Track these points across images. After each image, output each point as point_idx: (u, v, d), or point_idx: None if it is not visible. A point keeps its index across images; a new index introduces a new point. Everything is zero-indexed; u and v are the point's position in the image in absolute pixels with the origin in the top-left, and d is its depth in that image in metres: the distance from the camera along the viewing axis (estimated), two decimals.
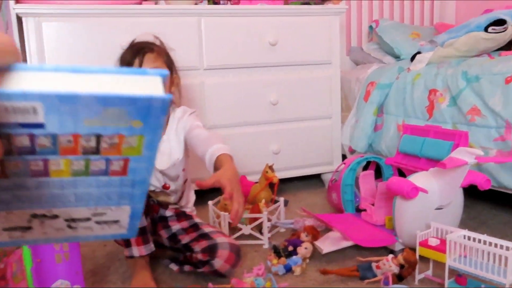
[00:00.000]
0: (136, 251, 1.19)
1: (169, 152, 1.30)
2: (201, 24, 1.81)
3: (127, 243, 1.19)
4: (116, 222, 0.52)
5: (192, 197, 1.46)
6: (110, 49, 1.60)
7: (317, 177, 2.27)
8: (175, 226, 1.34)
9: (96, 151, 0.40)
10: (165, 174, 1.30)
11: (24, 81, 0.33)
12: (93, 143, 0.39)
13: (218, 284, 1.17)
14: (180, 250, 1.33)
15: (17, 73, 0.33)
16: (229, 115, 1.91)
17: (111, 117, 0.37)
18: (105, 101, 0.35)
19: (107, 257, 1.44)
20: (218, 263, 1.18)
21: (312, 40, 2.00)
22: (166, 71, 0.39)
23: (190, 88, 1.82)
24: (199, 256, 1.21)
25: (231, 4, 1.96)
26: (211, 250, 1.20)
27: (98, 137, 0.39)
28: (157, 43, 1.36)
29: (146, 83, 0.38)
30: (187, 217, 1.37)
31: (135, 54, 1.25)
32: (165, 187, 1.32)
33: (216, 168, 1.10)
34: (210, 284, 1.15)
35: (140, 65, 1.22)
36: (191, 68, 1.82)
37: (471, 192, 1.37)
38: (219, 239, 1.23)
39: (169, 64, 1.33)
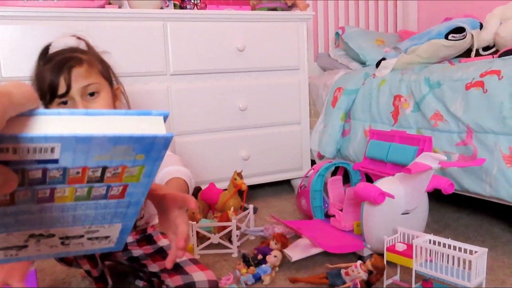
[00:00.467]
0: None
1: None
2: (167, 29, 1.78)
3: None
4: (106, 237, 0.56)
5: (154, 211, 1.36)
6: None
7: (286, 183, 2.27)
8: (136, 251, 1.18)
9: (100, 180, 0.45)
10: None
11: (44, 125, 0.37)
12: (98, 174, 0.44)
13: None
14: (142, 272, 1.19)
15: (37, 117, 0.37)
16: (197, 121, 1.88)
17: (119, 152, 0.42)
18: (115, 140, 0.40)
19: (67, 273, 1.38)
20: None
21: (280, 46, 2.01)
22: (167, 112, 0.43)
23: (156, 94, 1.78)
24: None
25: (198, 9, 1.94)
26: None
27: (104, 169, 0.44)
28: (82, 46, 1.07)
29: (150, 122, 0.42)
30: (150, 241, 1.20)
31: (57, 71, 0.95)
32: None
33: None
34: None
35: (68, 87, 0.94)
36: (157, 74, 1.78)
37: (434, 196, 1.40)
38: (196, 276, 1.07)
39: (105, 73, 1.06)
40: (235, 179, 1.58)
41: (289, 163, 2.11)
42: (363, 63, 2.28)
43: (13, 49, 1.56)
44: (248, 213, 1.59)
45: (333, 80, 2.16)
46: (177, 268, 1.09)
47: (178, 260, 1.11)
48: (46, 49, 1.04)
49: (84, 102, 0.97)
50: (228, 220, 1.46)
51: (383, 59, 1.95)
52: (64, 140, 0.37)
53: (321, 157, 2.10)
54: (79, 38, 1.07)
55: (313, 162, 2.16)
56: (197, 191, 1.67)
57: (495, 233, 1.54)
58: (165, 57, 1.79)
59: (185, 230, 0.73)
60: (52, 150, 0.38)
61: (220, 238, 1.44)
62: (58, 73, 0.94)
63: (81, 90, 0.97)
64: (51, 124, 0.37)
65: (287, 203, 2.02)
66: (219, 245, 1.47)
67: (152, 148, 0.43)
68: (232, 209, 1.51)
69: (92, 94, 0.99)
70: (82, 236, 0.54)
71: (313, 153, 2.17)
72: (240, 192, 1.60)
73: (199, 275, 1.08)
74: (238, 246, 1.46)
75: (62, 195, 0.45)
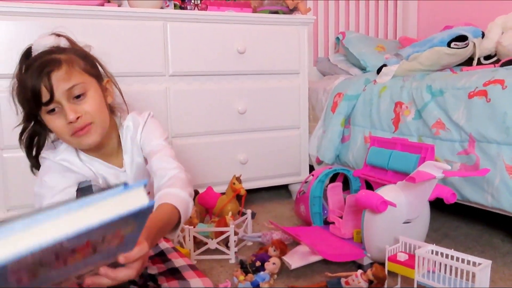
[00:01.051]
0: None
1: (140, 168, 1.10)
2: (167, 29, 1.75)
3: None
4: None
5: None
6: None
7: (284, 188, 2.25)
8: None
9: (102, 242, 0.55)
10: None
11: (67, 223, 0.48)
12: (100, 239, 0.54)
13: None
14: (140, 275, 1.14)
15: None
16: (195, 123, 1.85)
17: (115, 226, 0.53)
18: (110, 223, 0.51)
19: None
20: None
21: (281, 49, 1.99)
22: (145, 181, 0.54)
23: (155, 95, 1.75)
24: None
25: (199, 9, 1.91)
26: None
27: (104, 237, 0.55)
28: (63, 44, 1.00)
29: (134, 195, 0.53)
30: None
31: (37, 78, 0.89)
32: None
33: None
34: None
35: (51, 93, 0.89)
36: (156, 74, 1.75)
37: (433, 204, 1.38)
38: (193, 282, 1.04)
39: (90, 69, 0.99)
40: (234, 183, 1.55)
41: (287, 168, 2.09)
42: (363, 69, 2.27)
43: (8, 45, 1.53)
44: (246, 218, 1.56)
45: (333, 85, 2.14)
46: (175, 273, 1.07)
47: (176, 265, 1.09)
48: (27, 52, 0.99)
49: (72, 105, 0.92)
50: (226, 225, 1.43)
51: (384, 65, 1.94)
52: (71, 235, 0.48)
53: (319, 162, 2.08)
54: (58, 35, 1.00)
55: (311, 168, 2.14)
56: (194, 194, 1.63)
57: (494, 243, 1.53)
58: (164, 57, 1.76)
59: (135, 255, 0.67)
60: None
61: (218, 243, 1.42)
62: (38, 80, 0.88)
63: (66, 94, 0.91)
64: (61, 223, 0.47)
65: (285, 209, 1.99)
66: (216, 251, 1.44)
67: (140, 215, 0.55)
68: (230, 214, 1.48)
69: (78, 96, 0.94)
70: (92, 270, 0.65)
71: (311, 158, 2.15)
72: (238, 197, 1.57)
73: (196, 282, 1.06)
74: (235, 252, 1.43)
75: (73, 259, 0.54)
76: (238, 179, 1.56)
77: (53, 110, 0.92)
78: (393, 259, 1.16)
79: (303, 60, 2.06)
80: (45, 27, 1.53)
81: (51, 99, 0.90)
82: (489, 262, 1.04)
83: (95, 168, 1.04)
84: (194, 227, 1.42)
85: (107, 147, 1.07)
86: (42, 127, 1.00)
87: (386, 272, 1.16)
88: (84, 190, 0.98)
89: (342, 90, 2.03)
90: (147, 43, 1.71)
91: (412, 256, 1.14)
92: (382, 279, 1.14)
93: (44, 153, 1.03)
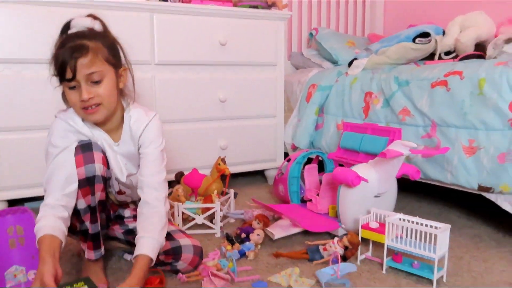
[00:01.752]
0: (86, 254, 1.16)
1: (124, 165, 1.20)
2: (153, 20, 1.83)
3: (84, 241, 1.16)
4: None
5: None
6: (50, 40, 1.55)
7: (260, 174, 2.37)
8: (132, 224, 1.29)
9: None
10: (120, 183, 1.23)
11: None
12: None
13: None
14: (134, 244, 1.27)
15: None
16: (179, 110, 1.93)
17: None
18: None
19: None
20: (182, 265, 1.19)
21: (259, 42, 2.10)
22: None
23: (141, 83, 1.82)
24: (162, 258, 1.18)
25: (183, 2, 1.99)
26: (175, 253, 1.18)
27: None
28: (97, 27, 1.12)
29: None
30: None
31: (66, 59, 1.02)
32: (120, 192, 1.27)
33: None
34: (180, 274, 1.17)
35: (74, 74, 1.03)
36: (142, 63, 1.82)
37: (398, 186, 1.54)
38: (182, 241, 1.20)
39: (112, 59, 1.11)
40: (219, 164, 1.65)
41: (264, 154, 2.21)
42: (334, 63, 2.42)
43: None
44: (229, 197, 1.67)
45: (307, 77, 2.28)
46: (166, 236, 1.17)
47: (168, 230, 1.20)
48: (66, 27, 1.10)
49: (88, 87, 1.06)
50: (212, 202, 1.53)
51: (355, 59, 2.09)
52: None
53: (294, 148, 2.22)
54: (95, 18, 1.12)
55: (286, 155, 2.27)
56: (180, 176, 1.72)
57: (452, 219, 1.71)
58: (151, 47, 1.83)
59: None
60: None
61: (204, 219, 1.52)
62: (66, 61, 1.02)
63: (85, 77, 1.05)
64: None
65: (262, 192, 2.11)
66: (202, 226, 1.54)
67: None
68: (215, 192, 1.58)
69: (95, 81, 1.07)
70: None
71: (286, 145, 2.28)
72: (222, 177, 1.67)
73: (185, 241, 1.21)
74: (220, 227, 1.54)
75: None
76: (223, 160, 1.66)
77: (73, 86, 1.06)
78: (365, 227, 1.30)
79: (280, 53, 2.19)
80: (33, 15, 1.59)
81: (73, 78, 1.04)
82: (449, 226, 1.19)
83: (94, 133, 1.15)
84: (182, 203, 1.51)
85: (108, 123, 1.17)
86: None
87: (360, 238, 1.30)
88: (84, 146, 1.10)
89: (316, 81, 2.17)
90: (135, 32, 1.78)
91: (382, 225, 1.28)
92: (356, 244, 1.28)
93: (58, 113, 1.16)
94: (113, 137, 1.18)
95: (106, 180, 1.15)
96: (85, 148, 1.10)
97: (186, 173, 1.76)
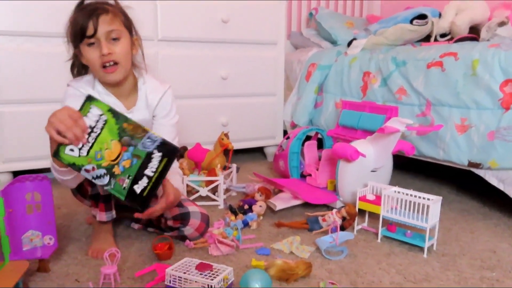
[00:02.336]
0: (98, 216, 1.22)
1: (144, 120, 1.26)
2: None
3: (96, 205, 1.22)
4: None
5: None
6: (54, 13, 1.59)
7: (259, 151, 2.43)
8: None
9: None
10: None
11: None
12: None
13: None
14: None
15: None
16: (182, 87, 1.98)
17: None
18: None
19: (64, 218, 1.46)
20: (189, 230, 1.26)
21: (261, 21, 2.14)
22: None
23: (145, 58, 1.85)
24: (170, 223, 1.26)
25: None
26: (183, 218, 1.25)
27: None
28: (111, 2, 1.22)
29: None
30: None
31: (87, 17, 1.11)
32: None
33: None
34: (187, 241, 1.24)
35: (95, 30, 1.11)
36: (146, 38, 1.83)
37: (393, 164, 1.62)
38: (191, 208, 1.28)
39: (128, 24, 1.22)
40: (222, 139, 1.71)
41: (263, 132, 2.27)
42: (333, 43, 2.46)
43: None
44: (232, 171, 1.74)
45: (307, 57, 2.32)
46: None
47: None
48: (81, 3, 1.18)
49: (107, 44, 1.14)
50: (216, 175, 1.60)
51: (354, 39, 2.14)
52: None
53: (294, 126, 2.28)
54: None
55: (285, 132, 2.34)
56: (184, 150, 1.78)
57: (442, 194, 1.79)
58: (154, 22, 1.86)
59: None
60: None
61: (207, 192, 1.58)
62: (88, 18, 1.11)
63: (106, 34, 1.13)
64: None
65: (261, 167, 2.18)
66: (206, 198, 1.61)
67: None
68: (218, 166, 1.64)
69: (114, 39, 1.15)
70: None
71: (285, 123, 2.35)
72: (225, 152, 1.73)
73: (193, 208, 1.29)
74: (224, 199, 1.61)
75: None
76: (226, 135, 1.72)
77: (92, 44, 1.13)
78: (363, 198, 1.37)
79: (281, 32, 2.23)
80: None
81: (94, 33, 1.11)
82: (440, 197, 1.27)
83: (106, 101, 1.20)
84: (187, 176, 1.57)
85: (122, 87, 1.24)
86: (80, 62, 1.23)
87: (357, 210, 1.37)
88: None
89: (315, 61, 2.22)
90: (138, 9, 1.79)
91: (378, 197, 1.36)
92: (353, 215, 1.36)
93: (69, 81, 1.23)
94: (124, 103, 1.25)
95: None
96: None
97: (189, 148, 1.82)
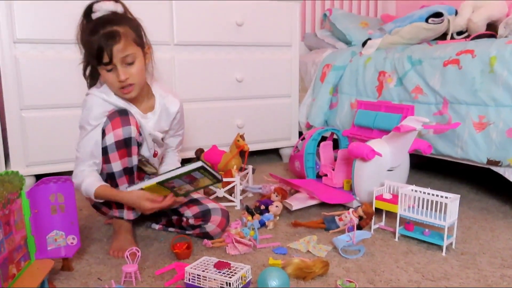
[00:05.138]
0: (125, 214, 1.26)
1: (159, 126, 1.33)
2: (172, 2, 1.88)
3: (118, 205, 1.26)
4: None
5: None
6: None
7: (275, 152, 2.44)
8: None
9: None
10: (157, 142, 1.35)
11: None
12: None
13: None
14: (163, 213, 1.36)
15: None
16: (198, 90, 2.01)
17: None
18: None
19: (85, 220, 1.50)
20: (211, 227, 1.28)
21: (275, 23, 2.16)
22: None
23: (161, 63, 1.88)
24: (191, 221, 1.29)
25: None
26: (204, 215, 1.28)
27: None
28: (119, 10, 1.21)
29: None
30: None
31: (103, 46, 1.13)
32: (154, 154, 1.37)
33: None
34: (205, 240, 1.26)
35: (110, 59, 1.14)
36: (162, 43, 1.89)
37: (410, 163, 1.60)
38: (211, 205, 1.30)
39: (138, 40, 1.22)
40: (238, 140, 1.72)
41: (279, 133, 2.28)
42: (348, 43, 2.46)
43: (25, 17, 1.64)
44: (247, 173, 1.75)
45: (321, 58, 2.33)
46: (195, 202, 1.31)
47: (195, 197, 1.34)
48: (89, 10, 1.19)
49: (123, 69, 1.19)
50: (232, 176, 1.61)
51: (369, 39, 2.14)
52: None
53: (309, 127, 2.28)
54: (116, 1, 1.21)
55: (300, 134, 2.34)
56: (200, 152, 1.80)
57: (461, 193, 1.77)
58: (170, 27, 1.90)
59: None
60: None
61: (224, 192, 1.60)
62: (102, 47, 1.13)
63: (120, 60, 1.17)
64: None
65: (277, 169, 2.19)
66: (223, 199, 1.63)
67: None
68: (235, 167, 1.66)
69: (129, 63, 1.19)
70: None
71: (300, 125, 2.35)
72: (241, 154, 1.75)
73: (213, 205, 1.32)
74: (240, 200, 1.62)
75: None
76: (242, 136, 1.74)
77: (110, 69, 1.18)
78: (379, 198, 1.37)
79: (295, 34, 2.24)
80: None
81: (110, 62, 1.16)
82: (458, 196, 1.26)
83: (126, 106, 1.27)
84: None
85: (137, 95, 1.27)
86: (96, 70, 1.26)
87: (374, 209, 1.37)
88: (121, 111, 1.22)
89: (330, 61, 2.22)
90: (155, 13, 1.85)
91: (395, 196, 1.36)
92: (370, 214, 1.36)
93: (90, 90, 1.26)
94: (140, 108, 1.30)
95: (139, 145, 1.25)
96: (122, 112, 1.21)
97: (205, 150, 1.84)
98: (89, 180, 1.18)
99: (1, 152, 1.78)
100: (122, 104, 1.25)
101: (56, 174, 1.91)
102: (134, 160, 1.23)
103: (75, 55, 1.69)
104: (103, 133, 1.19)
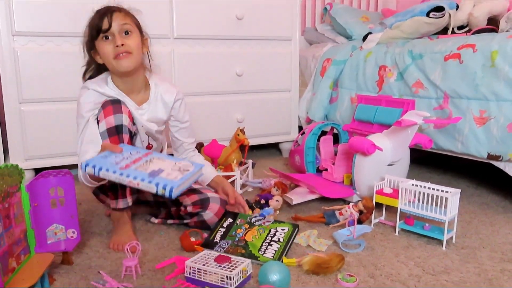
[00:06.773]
0: (114, 204, 1.25)
1: (155, 117, 1.34)
2: None
3: (114, 197, 1.26)
4: None
5: (165, 145, 1.55)
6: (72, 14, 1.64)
7: (274, 147, 2.44)
8: None
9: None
10: (151, 135, 1.36)
11: None
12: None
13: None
14: (163, 205, 1.39)
15: None
16: (197, 84, 2.00)
17: None
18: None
19: (85, 213, 1.50)
20: (208, 215, 1.29)
21: (276, 17, 2.14)
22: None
23: (160, 56, 1.88)
24: (189, 209, 1.30)
25: None
26: (203, 203, 1.30)
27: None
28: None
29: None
30: None
31: (103, 15, 1.22)
32: (148, 147, 1.38)
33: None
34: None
35: (110, 24, 1.20)
36: (162, 37, 1.88)
37: (410, 158, 1.60)
38: (210, 194, 1.33)
39: (138, 24, 1.31)
40: (238, 134, 1.72)
41: (279, 128, 2.28)
42: (348, 38, 2.45)
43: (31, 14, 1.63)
44: (247, 167, 1.75)
45: (321, 52, 2.32)
46: (195, 191, 1.33)
47: (196, 187, 1.36)
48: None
49: (121, 37, 1.23)
50: (232, 171, 1.61)
51: (370, 33, 2.13)
52: None
53: (309, 122, 2.28)
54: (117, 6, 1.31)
55: (300, 128, 2.34)
56: (200, 146, 1.80)
57: (461, 188, 1.76)
58: (170, 20, 1.88)
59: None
60: None
61: None
62: (103, 16, 1.21)
63: (119, 28, 1.22)
64: None
65: (277, 163, 2.19)
66: None
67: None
68: (235, 161, 1.66)
69: (126, 33, 1.24)
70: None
71: (300, 119, 2.35)
72: (241, 148, 1.74)
73: (212, 194, 1.34)
74: (240, 194, 1.62)
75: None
76: (242, 131, 1.73)
77: (107, 37, 1.22)
78: (380, 192, 1.37)
79: (295, 28, 2.23)
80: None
81: (109, 28, 1.21)
82: (458, 190, 1.26)
83: (119, 97, 1.28)
84: None
85: (132, 84, 1.30)
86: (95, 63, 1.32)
87: (374, 203, 1.37)
88: (114, 100, 1.24)
89: (330, 56, 2.22)
90: (155, 6, 1.83)
91: (395, 190, 1.36)
92: (371, 208, 1.36)
93: (85, 83, 1.30)
94: (134, 99, 1.31)
95: (131, 134, 1.25)
96: (114, 101, 1.23)
97: (205, 144, 1.83)
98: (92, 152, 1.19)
99: (0, 146, 1.77)
100: (115, 94, 1.27)
101: (55, 167, 1.91)
102: None
103: (74, 48, 1.69)
104: (98, 122, 1.21)
